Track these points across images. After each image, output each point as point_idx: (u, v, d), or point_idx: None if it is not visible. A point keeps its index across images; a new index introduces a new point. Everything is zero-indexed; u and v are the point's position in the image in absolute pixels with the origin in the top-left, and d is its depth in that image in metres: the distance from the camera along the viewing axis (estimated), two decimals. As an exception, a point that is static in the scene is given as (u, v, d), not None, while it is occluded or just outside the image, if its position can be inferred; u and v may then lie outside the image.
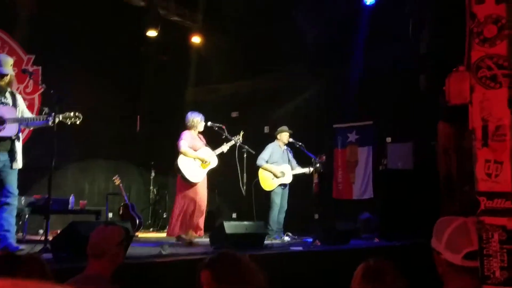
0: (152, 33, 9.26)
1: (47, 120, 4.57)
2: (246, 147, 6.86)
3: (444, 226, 1.83)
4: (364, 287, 1.93)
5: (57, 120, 4.56)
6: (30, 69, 8.03)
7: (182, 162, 6.21)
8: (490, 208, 1.45)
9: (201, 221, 6.31)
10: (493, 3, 1.63)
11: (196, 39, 9.95)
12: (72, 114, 4.70)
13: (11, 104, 4.64)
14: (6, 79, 4.64)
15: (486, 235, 1.44)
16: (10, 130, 4.51)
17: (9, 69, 4.64)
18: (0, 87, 4.63)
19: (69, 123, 4.74)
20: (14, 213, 4.55)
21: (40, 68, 8.58)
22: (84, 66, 8.99)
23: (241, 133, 6.82)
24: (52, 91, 4.62)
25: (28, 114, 4.78)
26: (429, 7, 8.30)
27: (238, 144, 6.71)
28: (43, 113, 4.65)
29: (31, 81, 7.85)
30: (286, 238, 7.24)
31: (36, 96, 8.31)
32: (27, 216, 6.43)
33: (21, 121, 4.58)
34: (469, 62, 1.69)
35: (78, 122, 4.75)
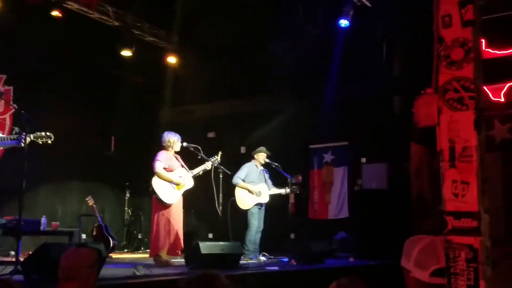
0: (126, 53, 9.26)
1: (18, 140, 4.49)
2: (222, 167, 6.85)
3: (413, 245, 1.86)
4: None
5: (28, 140, 4.48)
6: (1, 89, 7.91)
7: (157, 183, 6.15)
8: (457, 228, 1.49)
9: (178, 241, 6.22)
10: (460, 27, 1.68)
11: (171, 59, 9.96)
12: (43, 134, 4.64)
13: None
14: None
15: (453, 254, 1.47)
16: None
17: None
18: None
19: (40, 143, 4.68)
20: None
21: (11, 88, 8.45)
22: (57, 86, 8.89)
23: (219, 153, 6.80)
24: (23, 112, 4.55)
25: None
26: (401, 30, 8.53)
27: (215, 165, 6.70)
28: (14, 132, 4.57)
29: (2, 101, 7.71)
30: (262, 258, 7.21)
31: (7, 116, 8.17)
32: (-3, 237, 6.28)
33: None
34: (437, 84, 1.74)
35: (49, 142, 4.69)
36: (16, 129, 4.49)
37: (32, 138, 4.56)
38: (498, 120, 6.17)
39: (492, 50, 6.47)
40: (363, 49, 8.76)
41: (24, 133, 4.47)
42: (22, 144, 4.49)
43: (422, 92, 1.88)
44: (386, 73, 8.85)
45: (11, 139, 4.55)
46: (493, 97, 6.22)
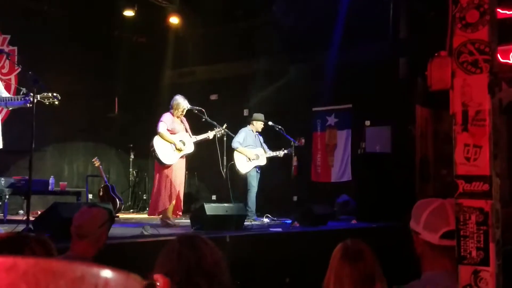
0: (129, 13, 9.12)
1: (26, 101, 4.45)
2: (226, 130, 6.87)
3: (423, 208, 1.88)
4: (343, 267, 1.98)
5: (35, 100, 4.46)
6: (6, 49, 7.83)
7: (157, 143, 6.19)
8: (468, 191, 1.50)
9: (179, 203, 6.30)
10: (475, -13, 1.65)
11: (174, 20, 9.82)
12: (50, 94, 4.61)
13: None
14: None
15: (463, 217, 1.49)
16: None
17: None
18: None
19: (47, 103, 4.65)
20: None
21: (16, 48, 8.40)
22: (60, 46, 8.84)
23: (224, 125, 6.81)
24: (30, 72, 4.51)
25: (5, 94, 4.66)
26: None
27: (217, 136, 6.72)
28: (21, 93, 4.52)
29: (7, 62, 7.65)
30: (266, 220, 7.32)
31: (12, 77, 8.12)
32: (7, 197, 6.37)
33: None
34: (451, 47, 1.72)
35: (56, 102, 4.66)
36: (23, 89, 4.43)
37: (38, 98, 4.53)
38: (506, 82, 6.13)
39: (502, 10, 6.33)
40: (369, 10, 8.59)
41: (31, 93, 4.44)
42: (29, 105, 4.47)
43: (435, 54, 1.86)
44: (392, 35, 8.72)
45: (18, 100, 4.51)
46: (502, 59, 6.13)
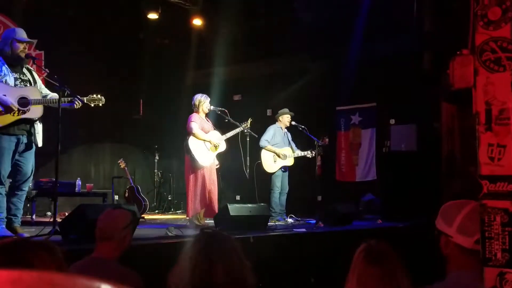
0: (153, 15, 9.22)
1: (73, 103, 4.48)
2: (249, 131, 6.87)
3: (456, 210, 1.83)
4: (366, 268, 1.95)
5: (79, 104, 4.48)
6: (33, 54, 8.00)
7: (193, 144, 6.15)
8: (492, 192, 1.47)
9: (213, 204, 6.29)
10: (497, -16, 1.62)
11: (197, 22, 9.89)
12: (95, 96, 4.63)
13: (31, 81, 4.53)
14: (25, 48, 4.44)
15: (488, 218, 1.46)
16: (35, 112, 4.41)
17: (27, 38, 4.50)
18: (20, 58, 4.40)
19: (92, 105, 4.67)
20: (23, 198, 4.51)
21: (42, 52, 8.56)
22: (85, 50, 8.99)
23: (249, 120, 6.82)
24: (55, 76, 4.56)
25: (45, 89, 4.69)
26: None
27: (244, 131, 6.72)
28: (65, 94, 4.50)
29: (34, 66, 7.79)
30: (290, 220, 7.30)
31: (40, 81, 8.30)
32: (35, 198, 6.50)
33: (45, 102, 4.45)
34: (473, 45, 1.69)
35: (101, 104, 4.67)
36: (67, 91, 4.43)
37: (85, 101, 4.56)
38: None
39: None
40: (391, 2, 8.45)
41: (77, 96, 4.46)
42: (76, 106, 4.49)
43: (457, 52, 1.83)
44: (417, 29, 8.55)
45: (65, 102, 4.48)
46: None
